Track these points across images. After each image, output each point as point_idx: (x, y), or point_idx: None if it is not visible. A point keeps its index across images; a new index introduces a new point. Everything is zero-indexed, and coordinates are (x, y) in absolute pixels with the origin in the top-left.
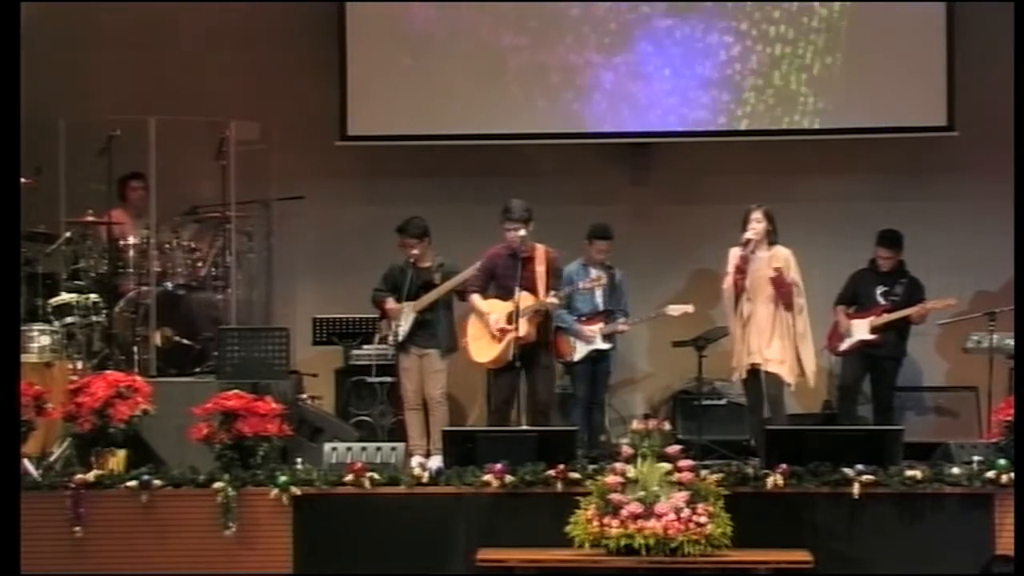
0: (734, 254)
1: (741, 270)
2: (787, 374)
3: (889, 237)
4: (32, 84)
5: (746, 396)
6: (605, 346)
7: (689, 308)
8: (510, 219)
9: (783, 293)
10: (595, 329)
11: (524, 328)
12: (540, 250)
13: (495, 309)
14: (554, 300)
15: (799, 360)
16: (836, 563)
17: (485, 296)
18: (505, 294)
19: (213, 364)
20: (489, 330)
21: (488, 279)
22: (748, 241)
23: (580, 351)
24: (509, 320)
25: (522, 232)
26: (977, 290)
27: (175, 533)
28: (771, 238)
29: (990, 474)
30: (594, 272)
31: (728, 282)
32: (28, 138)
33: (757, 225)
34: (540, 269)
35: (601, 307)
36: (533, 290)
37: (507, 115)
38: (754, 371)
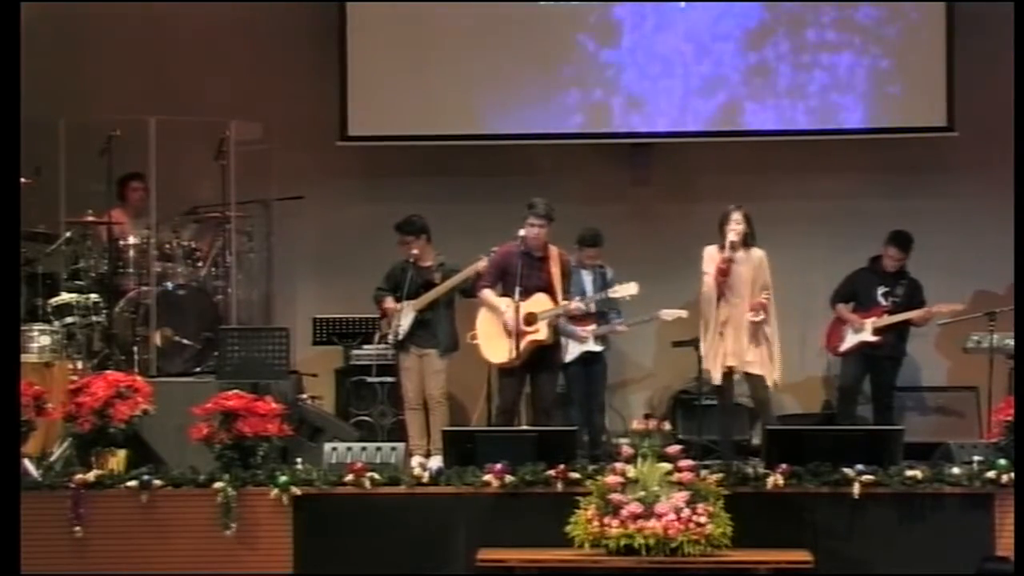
0: (710, 254)
1: (724, 272)
2: (769, 375)
3: (903, 238)
4: (32, 84)
5: (720, 398)
6: (597, 348)
7: (683, 313)
8: (535, 214)
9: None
10: (588, 330)
11: (545, 332)
12: (554, 252)
13: (510, 309)
14: (580, 306)
15: (772, 363)
16: (836, 563)
17: (496, 293)
18: (521, 293)
19: (213, 364)
20: (504, 329)
21: (500, 275)
22: (732, 243)
23: (571, 352)
24: (527, 322)
25: (545, 230)
26: (977, 290)
27: (175, 533)
28: (748, 240)
29: (990, 474)
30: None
31: (708, 283)
32: (28, 138)
33: (737, 226)
34: (555, 271)
35: (593, 308)
36: (550, 292)
37: (507, 115)
38: (729, 374)
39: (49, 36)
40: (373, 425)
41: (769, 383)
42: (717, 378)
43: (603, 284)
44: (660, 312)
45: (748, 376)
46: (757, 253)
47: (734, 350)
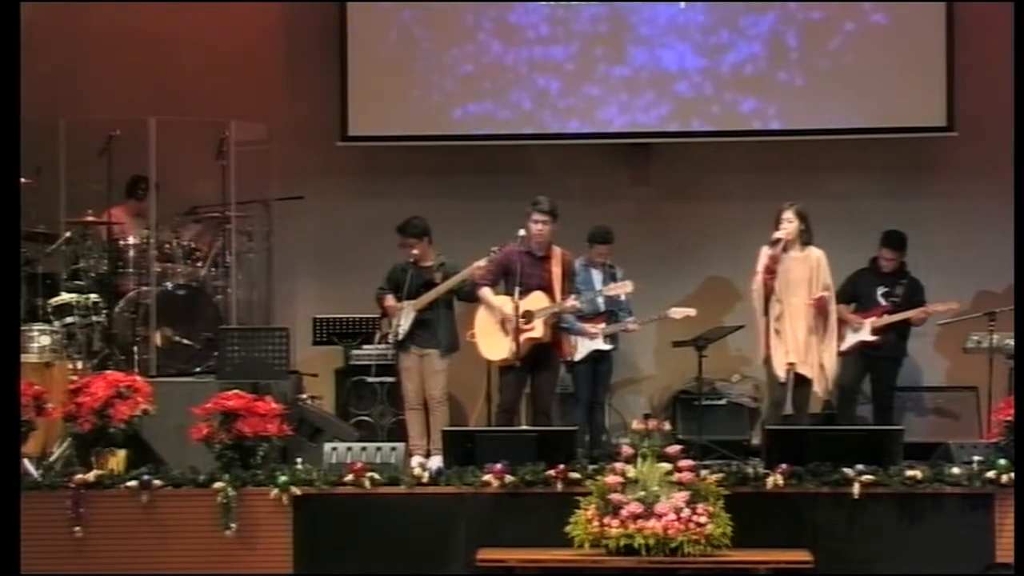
0: (764, 252)
1: (771, 270)
2: (816, 379)
3: (894, 238)
4: (32, 84)
5: (771, 394)
6: (607, 347)
7: (691, 312)
8: (539, 210)
9: (823, 311)
10: (597, 329)
11: (541, 330)
12: (557, 251)
13: (507, 306)
14: (576, 303)
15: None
16: (836, 563)
17: (496, 292)
18: (521, 292)
19: (213, 364)
20: (500, 326)
21: (500, 275)
22: (777, 240)
23: (581, 351)
24: (523, 319)
25: (548, 227)
26: (978, 290)
27: (175, 533)
28: (804, 238)
29: (990, 474)
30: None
31: (757, 281)
32: (28, 138)
33: (788, 225)
34: (556, 270)
35: (603, 307)
36: (549, 291)
37: (507, 115)
38: (789, 371)
39: (49, 36)
40: (373, 425)
41: (817, 390)
42: (782, 376)
43: (613, 282)
44: (670, 310)
45: (797, 376)
46: (815, 252)
47: (794, 348)
